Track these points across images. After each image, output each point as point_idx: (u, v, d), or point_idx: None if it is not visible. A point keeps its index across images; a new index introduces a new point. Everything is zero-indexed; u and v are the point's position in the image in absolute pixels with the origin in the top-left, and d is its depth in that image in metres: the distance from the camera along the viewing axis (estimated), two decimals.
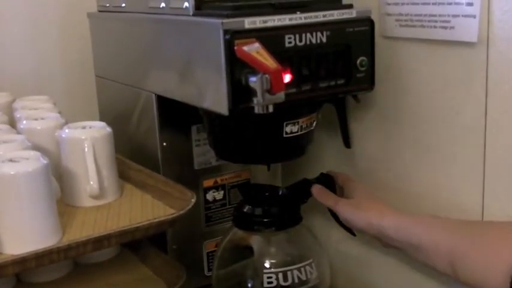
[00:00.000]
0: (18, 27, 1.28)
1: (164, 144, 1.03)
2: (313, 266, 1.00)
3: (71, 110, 1.20)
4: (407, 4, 0.92)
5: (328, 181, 1.00)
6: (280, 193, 1.00)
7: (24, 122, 0.97)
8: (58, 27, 1.31)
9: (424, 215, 0.88)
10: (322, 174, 1.02)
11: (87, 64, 1.27)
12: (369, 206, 0.91)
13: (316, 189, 0.98)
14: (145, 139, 1.08)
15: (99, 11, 1.20)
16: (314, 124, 0.94)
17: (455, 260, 0.77)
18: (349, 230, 1.00)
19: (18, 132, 0.96)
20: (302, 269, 0.98)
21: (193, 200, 0.87)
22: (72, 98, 1.33)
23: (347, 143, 0.99)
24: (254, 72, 0.76)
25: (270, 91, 0.74)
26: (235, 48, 0.77)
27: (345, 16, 0.88)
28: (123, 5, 1.09)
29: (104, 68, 1.22)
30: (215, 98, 0.82)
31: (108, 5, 1.15)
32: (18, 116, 1.02)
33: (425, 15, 0.89)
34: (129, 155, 1.08)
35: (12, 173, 0.74)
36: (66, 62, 1.33)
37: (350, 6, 0.90)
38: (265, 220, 0.98)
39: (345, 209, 0.93)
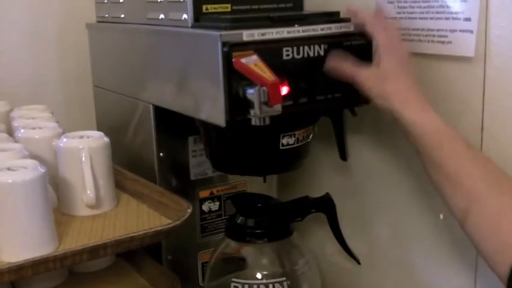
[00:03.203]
0: (16, 36, 1.29)
1: (161, 154, 1.03)
2: (305, 277, 1.00)
3: (68, 119, 1.21)
4: (405, 18, 0.92)
5: (330, 205, 0.99)
6: (272, 204, 1.00)
7: (22, 131, 0.97)
8: (56, 36, 1.32)
9: (459, 137, 0.78)
10: (327, 194, 1.02)
11: (85, 74, 1.28)
12: (395, 85, 0.81)
13: (333, 58, 0.85)
14: (142, 149, 1.08)
15: (98, 22, 1.21)
16: (311, 136, 0.94)
17: (473, 202, 0.72)
18: (354, 257, 0.98)
19: (16, 141, 0.96)
20: (293, 280, 0.98)
21: (189, 211, 0.87)
22: (69, 108, 1.34)
23: (343, 156, 1.00)
24: (251, 85, 0.76)
25: (267, 103, 0.75)
26: (233, 60, 0.77)
27: (343, 29, 0.88)
28: (122, 16, 1.09)
29: (102, 78, 1.22)
30: (212, 110, 0.82)
31: (107, 15, 1.16)
32: (16, 125, 1.03)
33: (422, 29, 0.90)
34: (126, 165, 1.08)
35: (9, 181, 0.74)
36: (64, 71, 1.34)
37: (348, 19, 0.90)
38: (257, 231, 0.98)
39: (366, 81, 0.83)
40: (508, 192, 0.72)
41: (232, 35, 0.79)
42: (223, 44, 0.78)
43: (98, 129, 1.23)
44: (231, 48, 0.78)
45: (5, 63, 1.28)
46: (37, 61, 1.32)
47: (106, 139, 0.94)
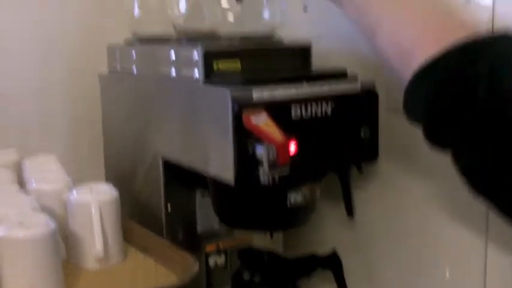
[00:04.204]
0: (26, 83, 1.31)
1: (169, 206, 1.04)
2: None
3: (77, 166, 1.22)
4: None
5: (337, 262, 1.00)
6: (279, 261, 1.01)
7: (33, 183, 0.99)
8: (67, 85, 1.34)
9: None
10: (334, 251, 1.02)
11: (95, 122, 1.30)
12: None
13: None
14: (149, 199, 1.09)
15: (110, 72, 1.23)
16: (318, 193, 0.95)
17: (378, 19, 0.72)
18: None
19: (27, 192, 0.97)
20: None
21: (196, 268, 0.87)
22: (78, 155, 1.35)
23: (350, 212, 1.00)
24: (261, 143, 0.77)
25: (276, 162, 0.76)
26: (243, 118, 0.79)
27: (350, 88, 0.90)
28: (134, 68, 1.12)
29: (112, 127, 1.24)
30: (221, 166, 0.83)
31: (119, 67, 1.18)
32: (26, 176, 1.04)
33: None
34: (133, 214, 1.08)
35: (21, 237, 0.76)
36: (74, 119, 1.36)
37: (355, 78, 0.92)
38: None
39: None
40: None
41: (242, 93, 0.81)
42: (234, 102, 0.80)
43: (106, 178, 1.25)
44: (241, 107, 0.80)
45: (15, 110, 1.30)
46: (47, 109, 1.34)
47: (115, 193, 0.95)
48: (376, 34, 0.73)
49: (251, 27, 1.00)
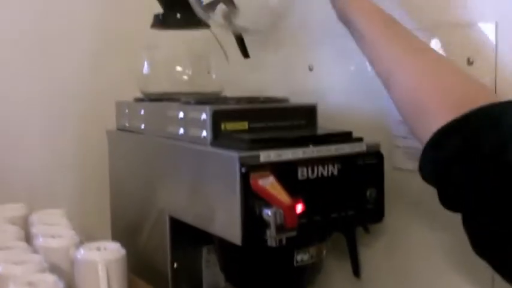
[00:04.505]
0: (35, 138, 1.33)
1: (175, 263, 1.04)
2: None
3: (83, 220, 1.22)
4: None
5: None
6: None
7: (41, 239, 0.99)
8: (75, 140, 1.36)
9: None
10: None
11: (102, 178, 1.31)
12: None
13: None
14: (155, 256, 1.09)
15: (118, 129, 1.24)
16: (324, 253, 0.95)
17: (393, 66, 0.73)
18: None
19: (35, 248, 0.98)
20: None
21: None
22: (85, 209, 1.36)
23: (356, 272, 1.00)
24: (268, 205, 0.78)
25: (284, 225, 0.77)
26: (251, 181, 0.80)
27: (356, 149, 0.91)
28: (142, 126, 1.13)
29: (120, 183, 1.25)
30: (228, 227, 0.84)
31: (127, 124, 1.20)
32: (34, 231, 1.05)
33: None
34: (138, 270, 1.08)
35: None
36: (81, 174, 1.37)
37: (360, 139, 0.93)
38: None
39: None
40: (423, 52, 0.74)
41: (250, 156, 0.82)
42: (242, 165, 0.81)
43: (112, 233, 1.26)
44: (249, 169, 0.81)
45: (23, 165, 1.32)
46: (55, 164, 1.35)
47: (123, 251, 0.96)
48: (390, 85, 0.74)
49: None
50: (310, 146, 0.88)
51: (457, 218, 0.91)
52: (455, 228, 0.90)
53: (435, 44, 0.91)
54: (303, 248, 0.91)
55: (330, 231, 0.95)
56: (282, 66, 1.24)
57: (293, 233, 0.78)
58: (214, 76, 1.21)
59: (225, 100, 1.04)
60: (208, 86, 1.20)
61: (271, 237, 0.78)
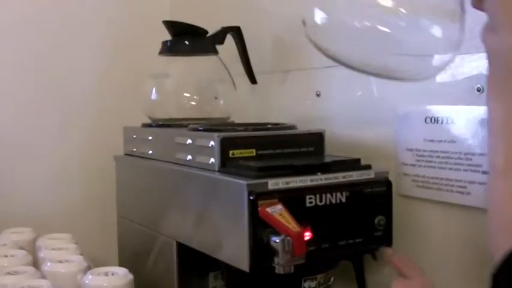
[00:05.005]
0: (42, 163, 1.34)
1: None
2: None
3: (91, 245, 1.23)
4: (424, 166, 0.95)
5: None
6: None
7: (48, 264, 1.00)
8: (83, 165, 1.37)
9: None
10: None
11: (109, 202, 1.31)
12: None
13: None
14: (162, 281, 1.09)
15: (126, 154, 1.25)
16: (332, 280, 0.95)
17: None
18: None
19: (42, 273, 0.98)
20: None
21: None
22: (92, 234, 1.37)
23: None
24: (276, 233, 0.78)
25: (292, 253, 0.77)
26: (259, 209, 0.80)
27: (364, 177, 0.91)
28: (150, 152, 1.14)
29: (127, 208, 1.25)
30: (236, 254, 0.84)
31: (135, 150, 1.20)
32: (42, 255, 1.05)
33: (441, 178, 0.93)
34: None
35: None
36: (89, 199, 1.38)
37: (368, 167, 0.93)
38: None
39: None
40: None
41: (258, 184, 0.82)
42: (250, 192, 0.81)
43: (119, 257, 1.26)
44: (257, 197, 0.81)
45: (30, 190, 1.33)
46: (62, 188, 1.36)
47: (130, 276, 0.96)
48: (491, 180, 0.61)
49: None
50: (318, 173, 0.88)
51: (462, 247, 0.91)
52: (462, 256, 0.91)
53: None
54: (311, 275, 0.91)
55: (338, 258, 0.95)
56: (289, 92, 1.25)
57: (301, 261, 0.78)
58: (221, 102, 1.22)
59: (233, 127, 1.04)
60: (216, 112, 1.20)
61: (280, 265, 0.78)
